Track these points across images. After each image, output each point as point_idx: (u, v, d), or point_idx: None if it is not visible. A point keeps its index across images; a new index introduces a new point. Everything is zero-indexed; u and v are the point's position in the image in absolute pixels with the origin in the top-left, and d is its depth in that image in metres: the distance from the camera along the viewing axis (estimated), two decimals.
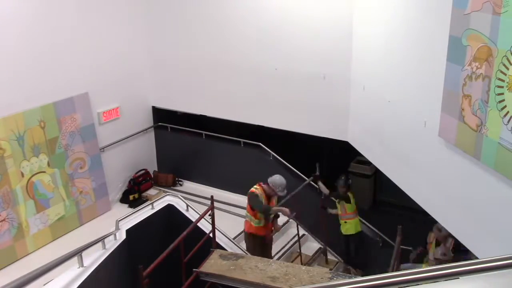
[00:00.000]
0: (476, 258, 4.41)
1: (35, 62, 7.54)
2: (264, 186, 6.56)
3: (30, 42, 7.43)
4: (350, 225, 7.22)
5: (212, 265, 5.54)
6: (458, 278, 1.90)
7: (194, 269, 5.46)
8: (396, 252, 5.31)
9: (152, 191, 9.60)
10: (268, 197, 6.54)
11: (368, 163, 7.98)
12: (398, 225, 5.48)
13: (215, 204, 6.17)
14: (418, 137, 5.36)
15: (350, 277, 5.24)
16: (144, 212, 6.36)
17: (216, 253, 5.77)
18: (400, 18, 5.73)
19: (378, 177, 9.21)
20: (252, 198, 6.45)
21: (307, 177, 7.93)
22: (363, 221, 7.44)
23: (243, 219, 7.40)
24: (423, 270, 1.90)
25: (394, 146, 6.11)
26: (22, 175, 7.54)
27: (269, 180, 6.59)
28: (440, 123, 4.79)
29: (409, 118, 5.56)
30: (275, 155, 8.57)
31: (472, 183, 4.43)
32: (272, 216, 6.64)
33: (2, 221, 7.28)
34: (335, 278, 5.13)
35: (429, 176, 5.26)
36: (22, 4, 7.31)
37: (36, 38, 7.51)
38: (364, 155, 7.28)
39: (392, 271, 4.92)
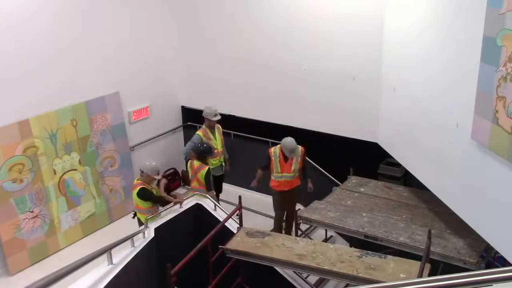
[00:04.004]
0: (511, 265, 4.30)
1: (67, 62, 7.69)
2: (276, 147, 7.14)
3: (62, 43, 7.58)
4: None
5: (239, 242, 5.49)
6: (492, 285, 1.86)
7: (220, 246, 5.44)
8: (426, 256, 5.22)
9: (180, 190, 9.67)
10: (285, 157, 7.03)
11: (397, 165, 7.84)
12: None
13: (243, 204, 6.18)
14: (450, 139, 5.25)
15: (380, 256, 5.09)
16: (173, 211, 6.42)
17: (243, 231, 5.73)
18: (432, 18, 5.62)
19: (408, 179, 9.06)
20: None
21: (335, 179, 7.86)
22: None
23: (270, 219, 7.42)
24: (456, 276, 1.87)
25: (425, 148, 6.00)
26: (55, 172, 7.69)
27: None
28: (473, 125, 4.68)
29: (441, 120, 5.45)
30: None
31: (506, 187, 4.32)
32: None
33: (35, 217, 7.46)
34: (364, 257, 5.05)
35: (460, 179, 5.15)
36: (54, 5, 7.46)
37: (68, 39, 7.66)
38: (394, 156, 7.18)
39: (421, 276, 4.84)
